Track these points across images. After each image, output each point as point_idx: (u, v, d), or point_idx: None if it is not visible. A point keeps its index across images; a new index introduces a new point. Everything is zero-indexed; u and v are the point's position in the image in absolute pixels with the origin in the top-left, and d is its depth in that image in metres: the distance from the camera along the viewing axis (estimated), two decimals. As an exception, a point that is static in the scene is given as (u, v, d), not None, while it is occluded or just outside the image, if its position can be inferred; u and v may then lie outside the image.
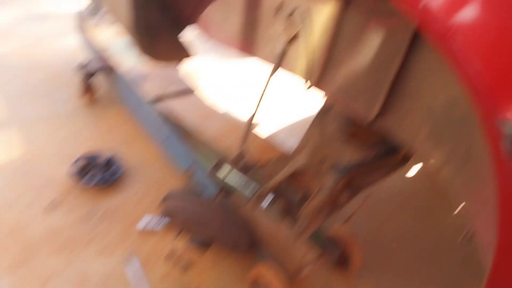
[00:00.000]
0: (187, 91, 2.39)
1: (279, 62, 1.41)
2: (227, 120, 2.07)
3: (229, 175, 1.67)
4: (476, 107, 0.73)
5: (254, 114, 1.52)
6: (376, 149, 1.57)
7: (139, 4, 1.56)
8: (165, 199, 1.70)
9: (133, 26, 1.59)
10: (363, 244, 2.07)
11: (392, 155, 1.58)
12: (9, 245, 1.81)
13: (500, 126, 0.67)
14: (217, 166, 1.67)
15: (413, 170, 2.62)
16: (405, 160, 1.64)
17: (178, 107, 2.21)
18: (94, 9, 2.98)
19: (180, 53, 1.84)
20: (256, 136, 1.95)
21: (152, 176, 2.28)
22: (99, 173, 2.17)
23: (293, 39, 1.34)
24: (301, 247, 1.95)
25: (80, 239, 1.89)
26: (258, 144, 1.90)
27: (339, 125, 1.52)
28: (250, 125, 1.55)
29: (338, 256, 1.81)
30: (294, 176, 1.56)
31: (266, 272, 1.65)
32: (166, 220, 1.74)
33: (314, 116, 1.72)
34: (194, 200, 1.60)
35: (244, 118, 2.15)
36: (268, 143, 1.91)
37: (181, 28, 1.84)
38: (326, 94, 1.38)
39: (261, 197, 1.50)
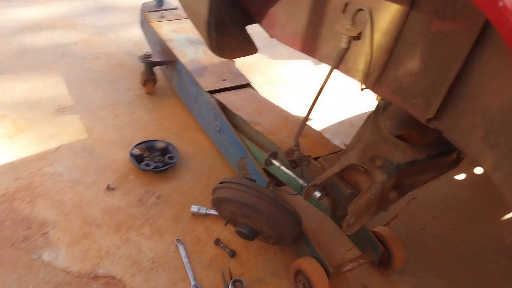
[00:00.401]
0: (243, 85, 2.47)
1: (340, 60, 1.43)
2: (281, 115, 2.11)
3: (281, 168, 1.72)
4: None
5: (310, 111, 1.56)
6: (428, 150, 1.57)
7: (214, 0, 1.63)
8: (216, 188, 1.77)
9: (205, 21, 1.67)
10: (406, 242, 2.07)
11: (444, 157, 1.58)
12: (71, 220, 1.96)
13: None
14: (270, 158, 1.72)
15: (461, 175, 2.56)
16: (457, 163, 1.62)
17: (233, 99, 2.29)
18: (159, 2, 3.12)
19: (246, 49, 1.91)
20: (308, 130, 1.98)
21: (205, 164, 2.37)
22: (156, 160, 2.29)
23: (356, 38, 1.36)
24: (345, 244, 1.97)
25: (136, 219, 2.01)
26: (310, 139, 1.92)
27: (392, 124, 1.53)
28: (305, 121, 1.59)
29: (381, 255, 1.81)
30: (344, 172, 1.59)
31: (308, 266, 1.68)
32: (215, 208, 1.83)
33: (368, 115, 1.74)
34: (244, 191, 1.66)
35: (298, 114, 2.19)
36: (320, 138, 1.94)
37: (247, 24, 1.91)
38: (382, 94, 1.39)
39: (311, 192, 1.53)
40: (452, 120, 1.24)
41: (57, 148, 2.34)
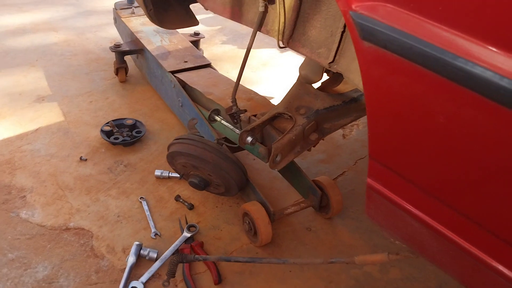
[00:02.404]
0: (203, 65, 2.72)
1: (260, 23, 1.68)
2: (233, 86, 2.36)
3: (222, 122, 1.96)
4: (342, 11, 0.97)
5: (242, 69, 1.81)
6: (343, 98, 1.82)
7: None
8: (169, 145, 2.02)
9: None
10: (349, 193, 2.30)
11: (356, 103, 1.82)
12: (46, 186, 2.20)
13: (352, 17, 0.91)
14: (213, 114, 1.97)
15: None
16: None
17: (192, 76, 2.54)
18: (129, 0, 3.39)
19: (187, 22, 2.17)
20: (255, 95, 2.22)
21: (170, 138, 2.60)
22: (125, 135, 2.53)
23: (270, 2, 1.61)
24: (294, 198, 2.20)
25: (105, 184, 2.25)
26: (255, 101, 2.17)
27: (306, 74, 1.77)
28: (239, 79, 1.84)
29: (320, 199, 2.04)
30: (275, 122, 1.83)
31: (251, 208, 1.92)
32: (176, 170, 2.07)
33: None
34: (192, 144, 1.90)
35: (250, 87, 2.43)
36: (263, 101, 2.19)
37: (191, 3, 2.17)
38: (295, 49, 1.64)
39: (244, 137, 1.76)
40: (347, 62, 1.48)
41: (36, 130, 2.59)
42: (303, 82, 1.83)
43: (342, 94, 1.83)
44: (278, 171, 2.30)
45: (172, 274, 1.55)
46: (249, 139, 1.77)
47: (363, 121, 2.95)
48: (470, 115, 0.79)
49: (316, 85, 1.91)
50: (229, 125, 1.92)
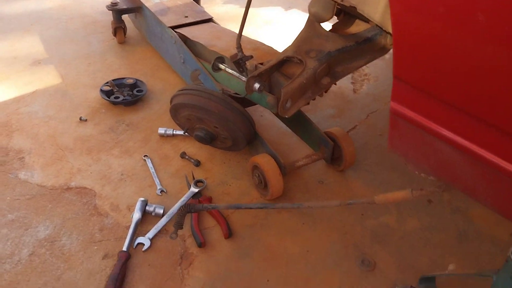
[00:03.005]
0: (205, 20, 2.58)
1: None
2: (236, 38, 2.23)
3: (226, 69, 1.84)
4: None
5: (246, 13, 1.68)
6: (355, 38, 1.69)
7: None
8: (172, 97, 1.91)
9: None
10: (362, 147, 2.19)
11: (370, 43, 1.69)
12: (45, 147, 2.11)
13: None
14: (217, 62, 1.85)
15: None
16: (384, 50, 1.74)
17: (193, 31, 2.41)
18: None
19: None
20: (261, 45, 2.10)
21: (172, 98, 2.50)
22: (125, 94, 2.42)
23: None
24: (304, 152, 2.10)
25: (106, 143, 2.16)
26: (261, 51, 2.04)
27: (317, 11, 1.64)
28: (243, 23, 1.71)
29: (332, 151, 1.94)
30: (283, 68, 1.71)
31: (261, 160, 1.82)
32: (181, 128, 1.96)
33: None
34: (196, 94, 1.79)
35: (252, 38, 2.29)
36: (270, 50, 2.06)
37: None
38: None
39: (251, 83, 1.65)
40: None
41: (33, 92, 2.49)
42: (313, 21, 1.70)
43: (355, 35, 1.70)
44: (287, 124, 2.19)
45: (179, 225, 1.47)
46: (257, 85, 1.66)
47: (374, 75, 2.82)
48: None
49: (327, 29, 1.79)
50: (235, 73, 1.81)
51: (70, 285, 1.51)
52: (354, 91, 2.68)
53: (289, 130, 2.24)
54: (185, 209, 1.45)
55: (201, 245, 1.65)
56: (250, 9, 1.71)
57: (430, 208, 1.91)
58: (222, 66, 1.86)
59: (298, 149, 2.17)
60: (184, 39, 2.41)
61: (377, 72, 2.85)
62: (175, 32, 2.45)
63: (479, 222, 1.85)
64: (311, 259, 1.66)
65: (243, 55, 1.74)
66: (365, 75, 2.83)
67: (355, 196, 1.93)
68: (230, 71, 1.83)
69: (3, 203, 1.80)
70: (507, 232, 1.79)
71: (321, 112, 2.47)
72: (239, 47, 1.75)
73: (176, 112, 1.91)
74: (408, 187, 1.30)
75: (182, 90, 1.86)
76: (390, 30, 1.32)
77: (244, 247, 1.69)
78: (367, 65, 2.70)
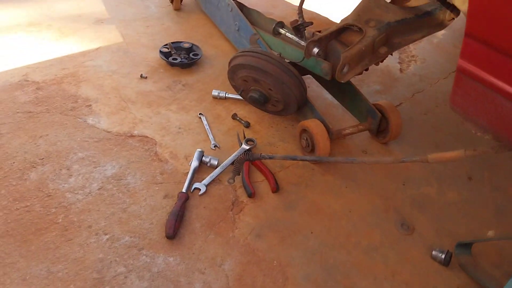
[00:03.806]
0: (260, -10, 2.69)
1: None
2: (292, 7, 2.32)
3: (287, 34, 1.94)
4: None
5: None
6: (416, 11, 1.76)
7: None
8: (231, 59, 2.03)
9: None
10: (407, 123, 2.27)
11: (430, 17, 1.75)
12: (110, 98, 2.28)
13: None
14: (277, 27, 1.95)
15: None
16: (443, 24, 1.80)
17: (250, 0, 2.52)
18: None
19: None
20: (317, 16, 2.18)
21: (225, 63, 2.60)
22: (182, 57, 2.56)
23: None
24: (349, 124, 2.18)
25: (165, 99, 2.31)
26: (318, 20, 2.13)
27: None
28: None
29: (379, 123, 2.02)
30: (342, 37, 1.80)
31: (311, 124, 1.92)
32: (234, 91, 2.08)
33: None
34: (254, 56, 1.90)
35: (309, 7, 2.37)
36: (327, 21, 2.15)
37: None
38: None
39: (310, 47, 1.74)
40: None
41: (97, 49, 2.66)
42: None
43: (415, 8, 1.77)
44: (335, 95, 2.28)
45: (238, 171, 1.60)
46: (316, 50, 1.76)
47: (421, 57, 2.86)
48: None
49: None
50: (294, 38, 1.91)
51: (134, 217, 1.68)
52: (401, 70, 2.73)
53: (335, 102, 2.34)
54: (245, 157, 1.57)
55: (251, 195, 1.79)
56: None
57: (471, 184, 1.98)
58: (282, 31, 1.96)
59: (343, 120, 2.27)
60: (241, 7, 2.52)
61: (425, 54, 2.89)
62: (232, 0, 2.57)
63: (517, 200, 1.91)
64: (353, 217, 1.78)
65: (303, 21, 1.84)
66: (412, 56, 2.87)
67: (398, 167, 2.02)
68: (290, 35, 1.93)
69: (74, 143, 1.99)
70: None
71: (367, 87, 2.55)
72: (300, 12, 1.84)
73: (234, 73, 2.03)
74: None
75: (241, 52, 1.98)
76: (454, 1, 1.38)
77: (290, 201, 1.82)
78: (415, 47, 2.75)
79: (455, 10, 1.72)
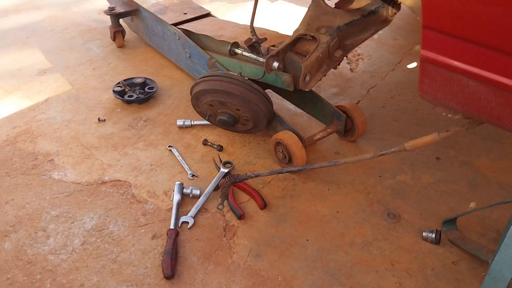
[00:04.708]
0: (204, 15, 2.71)
1: None
2: (241, 27, 2.36)
3: (243, 53, 1.97)
4: None
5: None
6: (361, 12, 1.85)
7: None
8: (192, 86, 2.02)
9: None
10: (369, 118, 2.36)
11: (374, 15, 1.86)
12: (71, 148, 2.19)
13: None
14: (233, 48, 1.98)
15: (412, 64, 2.87)
16: (387, 20, 1.90)
17: (196, 25, 2.53)
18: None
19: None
20: (266, 31, 2.23)
21: (183, 92, 2.61)
22: (137, 92, 2.53)
23: None
24: (316, 130, 2.23)
25: (129, 139, 2.26)
26: (269, 35, 2.15)
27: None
28: (255, 9, 1.85)
29: (345, 123, 2.09)
30: (297, 47, 1.86)
31: (284, 136, 1.95)
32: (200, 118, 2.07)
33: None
34: (216, 79, 1.91)
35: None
36: (278, 35, 2.19)
37: None
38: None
39: (270, 62, 1.78)
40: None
41: (46, 100, 2.56)
42: (319, 0, 1.85)
43: (359, 9, 1.86)
44: (297, 104, 2.34)
45: (226, 196, 1.59)
46: (276, 64, 1.79)
47: (367, 54, 2.99)
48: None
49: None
50: (252, 56, 1.94)
51: (127, 265, 1.62)
52: (351, 70, 2.85)
53: (298, 111, 2.40)
54: (230, 180, 1.57)
55: (240, 217, 1.78)
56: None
57: (440, 164, 2.09)
58: (238, 51, 1.99)
59: (310, 127, 2.32)
60: (188, 33, 2.52)
61: (369, 51, 3.03)
62: (178, 28, 2.57)
63: (484, 171, 2.03)
64: (342, 218, 1.82)
65: (257, 38, 1.88)
66: (359, 55, 3.00)
67: (372, 161, 2.09)
68: (247, 54, 1.96)
69: (44, 202, 1.89)
70: (511, 176, 1.98)
71: (324, 92, 2.63)
72: (253, 30, 1.88)
73: (198, 99, 2.03)
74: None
75: (202, 77, 1.98)
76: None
77: (280, 214, 1.83)
78: (360, 45, 2.87)
79: (396, 6, 1.82)
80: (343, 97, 2.57)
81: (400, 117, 2.40)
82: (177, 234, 1.69)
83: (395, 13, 1.89)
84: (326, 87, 2.65)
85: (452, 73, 1.07)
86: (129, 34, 3.20)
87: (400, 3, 1.60)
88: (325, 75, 1.84)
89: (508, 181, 1.98)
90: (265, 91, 2.16)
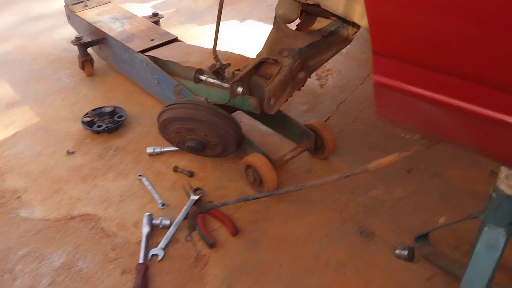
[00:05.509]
0: (171, 40, 2.71)
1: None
2: (207, 52, 2.36)
3: (208, 79, 1.96)
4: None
5: (218, 25, 1.82)
6: (321, 33, 1.87)
7: None
8: (159, 115, 2.01)
9: None
10: (339, 135, 2.36)
11: (335, 35, 1.87)
12: (40, 183, 2.15)
13: None
14: (197, 74, 1.97)
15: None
16: (348, 39, 1.92)
17: (163, 51, 2.53)
18: (78, -6, 3.29)
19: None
20: (231, 54, 2.23)
21: (153, 118, 2.56)
22: (107, 122, 2.50)
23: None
24: (287, 149, 2.23)
25: (99, 170, 2.22)
26: (234, 59, 2.16)
27: (284, 12, 1.80)
28: (216, 34, 1.85)
29: (314, 141, 2.09)
30: (260, 70, 1.86)
31: (253, 158, 1.95)
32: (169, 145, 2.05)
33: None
34: (182, 107, 1.90)
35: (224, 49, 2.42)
36: (243, 58, 2.20)
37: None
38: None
39: (234, 88, 1.78)
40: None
41: (14, 134, 2.51)
42: (280, 24, 1.86)
43: (320, 30, 1.88)
44: (268, 125, 2.33)
45: (193, 227, 1.57)
46: (240, 89, 1.79)
47: (336, 69, 3.02)
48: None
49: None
50: (217, 81, 1.93)
51: (96, 304, 1.57)
52: (321, 86, 2.86)
53: (269, 130, 2.39)
54: (196, 210, 1.55)
55: (211, 245, 1.75)
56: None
57: (411, 177, 2.09)
58: (203, 77, 1.98)
59: (281, 146, 2.31)
60: (155, 60, 2.52)
61: (338, 66, 3.06)
62: (145, 55, 2.56)
63: (456, 181, 2.05)
64: (316, 238, 1.80)
65: (221, 64, 1.87)
66: (328, 70, 3.03)
67: (344, 179, 2.08)
68: (211, 80, 1.96)
69: (11, 241, 1.84)
70: (482, 185, 1.99)
71: (295, 110, 2.63)
72: (216, 57, 1.88)
73: (165, 127, 2.01)
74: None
75: (168, 105, 1.97)
76: (353, 19, 1.48)
77: (252, 240, 1.80)
78: (329, 61, 2.90)
79: (356, 25, 1.84)
80: (314, 114, 2.58)
81: (370, 131, 2.41)
82: (146, 268, 1.65)
83: (356, 32, 1.91)
84: (297, 105, 2.66)
85: (406, 96, 1.07)
86: (98, 61, 3.18)
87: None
88: (291, 96, 1.84)
89: (479, 189, 1.99)
90: (236, 112, 2.16)
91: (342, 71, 2.98)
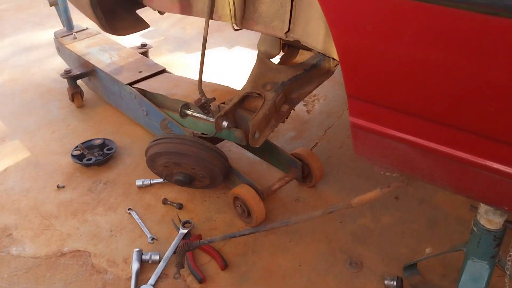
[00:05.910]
0: (159, 71, 2.75)
1: (211, 10, 1.74)
2: (194, 84, 2.40)
3: (194, 114, 2.00)
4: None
5: (202, 60, 1.86)
6: (303, 66, 1.92)
7: None
8: (146, 149, 2.03)
9: (88, 5, 1.95)
10: (327, 161, 2.39)
11: (317, 68, 1.92)
12: (30, 220, 2.15)
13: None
14: (183, 109, 2.01)
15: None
16: (330, 72, 1.97)
17: (151, 83, 2.57)
18: (68, 26, 3.35)
19: (137, 27, 2.20)
20: (218, 86, 2.27)
21: (143, 149, 2.57)
22: (96, 154, 2.52)
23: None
24: (275, 176, 2.26)
25: (89, 204, 2.23)
26: (219, 91, 2.20)
27: (266, 49, 1.85)
28: (201, 69, 1.89)
29: (301, 170, 2.12)
30: (245, 104, 1.90)
31: (241, 190, 1.97)
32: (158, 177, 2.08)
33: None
34: (169, 142, 1.93)
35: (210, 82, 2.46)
36: (228, 90, 2.24)
37: (137, 9, 2.20)
38: (250, 28, 1.72)
39: (219, 122, 1.81)
40: (302, 28, 1.57)
41: (4, 170, 2.52)
42: (263, 58, 1.90)
43: (302, 63, 1.93)
44: (256, 154, 2.36)
45: (181, 265, 1.58)
46: (225, 123, 1.82)
47: (322, 95, 3.07)
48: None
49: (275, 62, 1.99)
50: (202, 116, 1.97)
51: None
52: (308, 111, 2.91)
53: (258, 158, 2.42)
54: (184, 248, 1.56)
55: (201, 280, 1.75)
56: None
57: (399, 204, 2.12)
58: (189, 112, 2.02)
59: (270, 175, 2.34)
60: (143, 92, 2.55)
61: (325, 91, 3.11)
62: (133, 87, 2.60)
63: (443, 207, 2.08)
64: (305, 271, 1.81)
65: (206, 98, 1.91)
66: (314, 95, 3.08)
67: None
68: (197, 115, 1.99)
69: (2, 281, 1.83)
70: (468, 210, 2.02)
71: (282, 136, 2.67)
72: (201, 91, 1.91)
73: (153, 162, 2.04)
74: (376, 187, 1.49)
75: (155, 140, 1.99)
76: (332, 55, 1.53)
77: (241, 273, 1.81)
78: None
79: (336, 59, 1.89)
80: (301, 140, 2.61)
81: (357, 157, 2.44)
82: (136, 306, 1.65)
83: (337, 64, 1.96)
84: (284, 131, 2.70)
85: (381, 137, 1.10)
86: (88, 92, 3.21)
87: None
88: (276, 128, 1.87)
89: (466, 215, 2.02)
90: (225, 140, 2.19)
91: (329, 96, 3.03)
